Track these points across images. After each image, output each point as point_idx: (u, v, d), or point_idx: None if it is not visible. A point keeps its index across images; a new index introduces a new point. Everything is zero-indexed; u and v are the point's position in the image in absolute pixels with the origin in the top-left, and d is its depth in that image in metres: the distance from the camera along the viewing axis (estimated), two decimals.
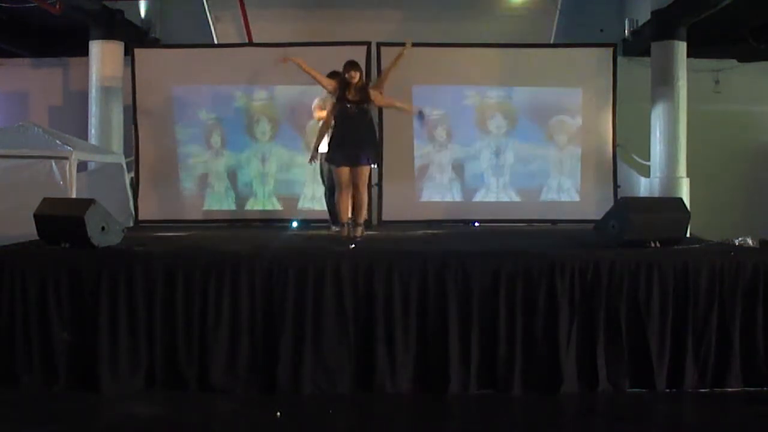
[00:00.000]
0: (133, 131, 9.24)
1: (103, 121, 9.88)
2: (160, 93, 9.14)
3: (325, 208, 7.94)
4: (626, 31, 10.47)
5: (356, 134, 6.64)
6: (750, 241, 5.96)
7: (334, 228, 7.61)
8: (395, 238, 7.26)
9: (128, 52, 9.50)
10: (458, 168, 9.20)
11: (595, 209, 8.23)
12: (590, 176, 9.22)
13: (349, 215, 6.82)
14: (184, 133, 9.17)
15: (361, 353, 5.36)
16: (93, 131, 9.90)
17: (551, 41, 10.01)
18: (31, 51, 11.10)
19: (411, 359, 5.36)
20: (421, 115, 7.80)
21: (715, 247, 6.00)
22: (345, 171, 6.67)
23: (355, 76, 6.62)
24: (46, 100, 11.17)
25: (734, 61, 10.92)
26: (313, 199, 9.06)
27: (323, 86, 6.99)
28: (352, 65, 6.65)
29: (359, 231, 6.76)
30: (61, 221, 5.72)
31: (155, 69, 9.13)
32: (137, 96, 9.15)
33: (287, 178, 9.15)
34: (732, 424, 5.01)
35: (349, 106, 6.63)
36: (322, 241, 6.88)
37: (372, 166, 6.92)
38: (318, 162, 7.54)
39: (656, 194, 9.40)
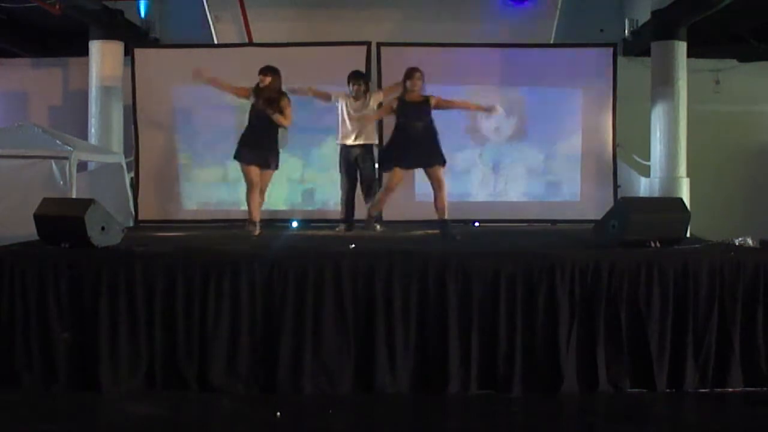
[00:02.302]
0: (133, 131, 9.24)
1: (103, 121, 9.86)
2: (160, 93, 9.13)
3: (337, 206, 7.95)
4: (626, 31, 10.46)
5: (262, 138, 7.13)
6: (750, 241, 5.95)
7: (340, 227, 7.64)
8: (395, 238, 7.25)
9: (128, 52, 9.49)
10: (458, 168, 9.18)
11: (595, 209, 8.22)
12: (590, 176, 9.22)
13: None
14: (184, 132, 9.16)
15: (361, 353, 5.35)
16: (93, 131, 9.89)
17: (551, 41, 10.00)
18: (31, 51, 11.09)
19: (411, 359, 5.35)
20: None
21: (715, 247, 5.99)
22: (252, 169, 7.20)
23: (266, 80, 6.97)
24: (46, 100, 11.14)
25: (734, 61, 10.91)
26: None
27: (237, 96, 7.46)
28: (264, 70, 7.13)
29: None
30: (61, 221, 5.72)
31: (155, 69, 9.12)
32: (137, 96, 9.15)
33: (288, 179, 9.14)
34: (732, 424, 5.01)
35: (259, 109, 7.09)
36: (322, 241, 6.88)
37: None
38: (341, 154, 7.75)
39: (656, 194, 9.38)
